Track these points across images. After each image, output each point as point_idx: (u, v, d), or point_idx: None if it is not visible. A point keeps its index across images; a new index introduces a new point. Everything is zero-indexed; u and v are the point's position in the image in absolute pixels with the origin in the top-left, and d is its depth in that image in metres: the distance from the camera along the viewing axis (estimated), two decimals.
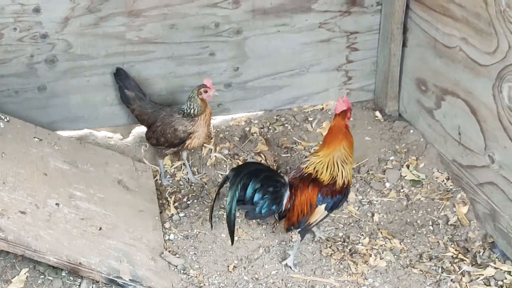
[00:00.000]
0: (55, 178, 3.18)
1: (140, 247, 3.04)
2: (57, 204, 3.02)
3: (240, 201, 2.86)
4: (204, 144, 3.73)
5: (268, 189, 2.90)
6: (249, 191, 2.86)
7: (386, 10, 3.80)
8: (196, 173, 3.65)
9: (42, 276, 2.94)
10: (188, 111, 3.37)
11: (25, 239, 2.77)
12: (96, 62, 3.62)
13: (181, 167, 3.67)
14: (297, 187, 2.97)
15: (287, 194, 2.97)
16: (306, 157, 3.16)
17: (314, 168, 2.98)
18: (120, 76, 3.61)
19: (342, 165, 2.97)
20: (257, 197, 2.88)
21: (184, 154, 3.60)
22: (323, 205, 2.97)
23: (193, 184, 3.58)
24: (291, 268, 3.08)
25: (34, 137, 3.40)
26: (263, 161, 3.70)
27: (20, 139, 3.32)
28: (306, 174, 2.99)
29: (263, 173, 2.91)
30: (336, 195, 2.97)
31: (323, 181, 2.95)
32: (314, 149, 3.50)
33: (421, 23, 3.61)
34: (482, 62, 3.11)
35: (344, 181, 2.97)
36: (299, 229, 3.04)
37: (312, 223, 3.01)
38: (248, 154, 3.75)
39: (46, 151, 3.34)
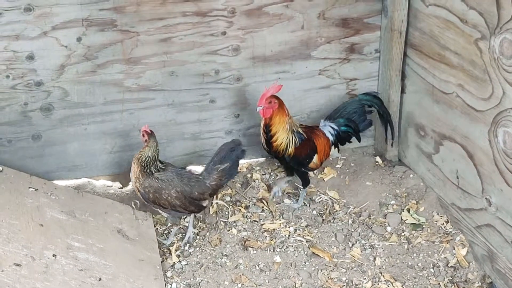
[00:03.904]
0: (52, 229, 3.14)
1: None
2: (54, 255, 2.97)
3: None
4: None
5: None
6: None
7: (384, 58, 3.83)
8: (198, 221, 3.63)
9: None
10: None
11: None
12: (94, 110, 3.59)
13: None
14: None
15: None
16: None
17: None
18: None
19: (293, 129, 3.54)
20: None
21: None
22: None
23: (195, 232, 3.55)
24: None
25: (29, 187, 3.37)
26: (265, 207, 3.69)
27: (14, 189, 3.28)
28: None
29: None
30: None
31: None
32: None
33: (418, 70, 3.65)
34: (478, 108, 3.14)
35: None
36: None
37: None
38: (250, 201, 3.74)
39: (42, 201, 3.30)
